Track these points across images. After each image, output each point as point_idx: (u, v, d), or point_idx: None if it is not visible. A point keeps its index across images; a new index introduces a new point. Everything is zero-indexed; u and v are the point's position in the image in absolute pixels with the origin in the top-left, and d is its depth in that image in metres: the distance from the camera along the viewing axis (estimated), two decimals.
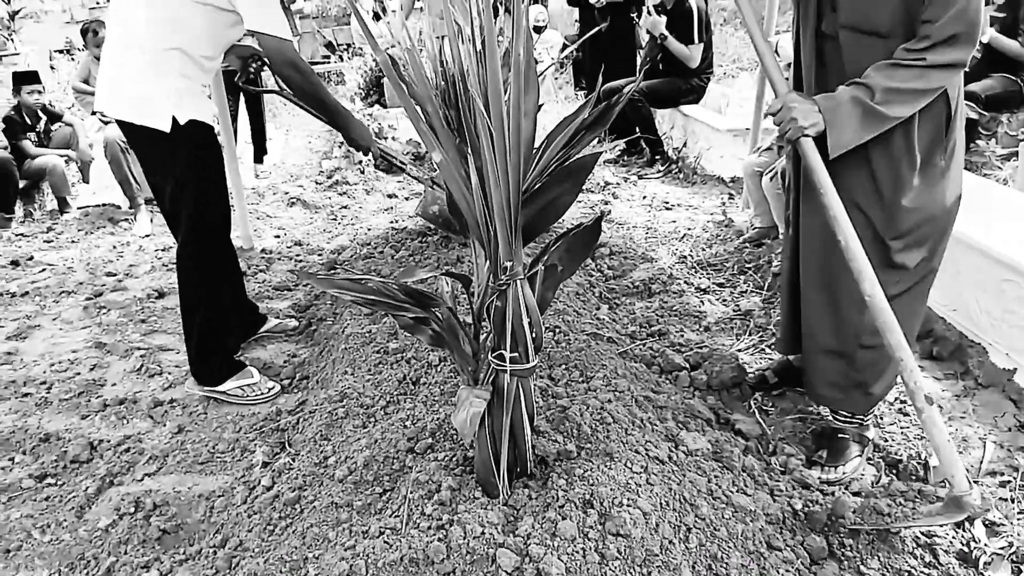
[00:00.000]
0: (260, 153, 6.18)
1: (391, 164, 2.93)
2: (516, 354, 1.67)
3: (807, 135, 1.76)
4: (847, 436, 2.16)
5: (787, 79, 1.92)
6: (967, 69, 1.77)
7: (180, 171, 2.39)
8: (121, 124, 2.40)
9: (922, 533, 1.83)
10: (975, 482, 2.05)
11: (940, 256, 1.95)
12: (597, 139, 1.77)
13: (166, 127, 2.31)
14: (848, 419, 2.17)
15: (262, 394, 2.64)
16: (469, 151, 1.61)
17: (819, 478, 2.10)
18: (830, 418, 2.21)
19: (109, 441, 2.44)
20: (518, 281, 1.62)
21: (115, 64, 2.37)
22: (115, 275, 3.94)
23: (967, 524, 1.84)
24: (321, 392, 2.50)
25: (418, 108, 1.63)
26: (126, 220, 4.97)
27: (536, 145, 1.68)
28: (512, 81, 1.49)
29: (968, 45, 1.66)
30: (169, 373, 2.87)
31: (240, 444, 2.37)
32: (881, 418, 2.32)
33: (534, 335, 1.67)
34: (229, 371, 2.64)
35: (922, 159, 1.81)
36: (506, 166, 1.51)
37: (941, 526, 1.81)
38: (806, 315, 2.13)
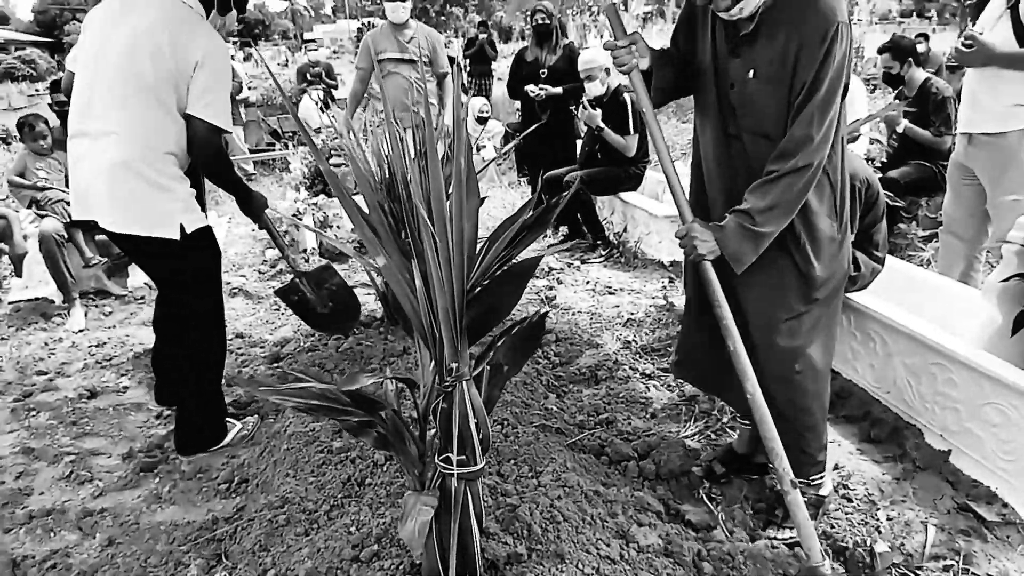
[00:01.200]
0: None
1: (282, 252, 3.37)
2: (463, 456, 1.65)
3: (706, 260, 1.99)
4: (807, 500, 2.17)
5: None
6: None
7: (190, 275, 2.68)
8: (122, 238, 2.52)
9: None
10: (919, 568, 2.09)
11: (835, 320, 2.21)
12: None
13: (176, 235, 2.52)
14: (803, 483, 2.21)
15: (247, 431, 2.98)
16: (413, 254, 1.63)
17: (773, 537, 2.17)
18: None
19: (34, 557, 2.29)
20: (464, 383, 1.62)
21: (114, 180, 2.46)
22: (46, 374, 3.77)
23: None
24: (261, 497, 2.41)
25: (359, 215, 1.65)
26: (59, 315, 4.81)
27: (479, 244, 1.72)
28: (454, 189, 1.53)
29: (810, 150, 1.85)
30: (100, 480, 2.73)
31: (174, 557, 2.25)
32: (826, 505, 2.35)
33: (481, 436, 1.66)
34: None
35: (818, 235, 2.02)
36: (450, 270, 1.53)
37: None
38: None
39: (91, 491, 2.65)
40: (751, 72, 1.91)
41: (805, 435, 2.17)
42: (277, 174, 9.74)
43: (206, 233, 2.67)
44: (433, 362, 1.71)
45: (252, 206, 2.99)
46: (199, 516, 2.45)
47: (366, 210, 1.76)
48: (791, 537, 2.15)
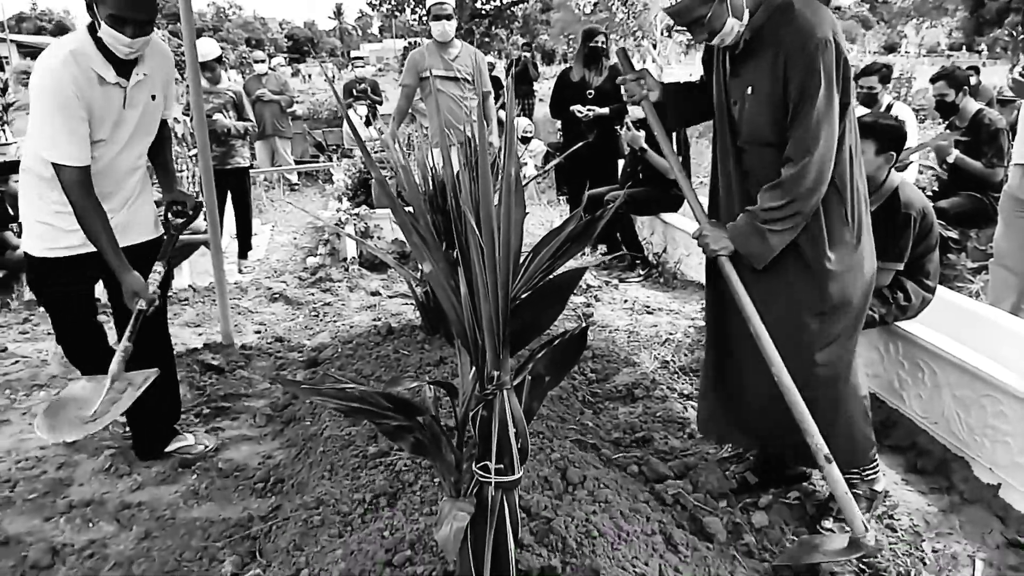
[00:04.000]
0: (245, 248, 6.22)
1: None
2: (501, 465, 1.64)
3: (721, 255, 2.18)
4: (859, 493, 2.31)
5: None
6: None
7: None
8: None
9: None
10: None
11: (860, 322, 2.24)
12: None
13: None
14: (854, 475, 2.33)
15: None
16: (459, 261, 1.64)
17: (828, 528, 2.29)
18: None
19: (73, 546, 2.33)
20: (505, 391, 1.62)
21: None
22: None
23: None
24: (297, 498, 2.42)
25: (407, 219, 1.67)
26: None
27: (522, 256, 1.72)
28: (502, 197, 1.54)
29: (810, 150, 1.99)
30: (138, 474, 2.78)
31: (208, 553, 2.27)
32: (880, 500, 2.39)
33: (520, 446, 1.66)
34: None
35: (833, 239, 2.12)
36: (495, 278, 1.53)
37: (842, 561, 2.14)
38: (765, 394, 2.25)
39: (129, 484, 2.70)
40: (749, 89, 2.11)
41: (851, 433, 2.26)
42: (320, 185, 9.91)
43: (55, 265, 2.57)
44: (474, 370, 1.71)
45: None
46: (235, 513, 2.48)
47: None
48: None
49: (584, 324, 1.84)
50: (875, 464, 2.37)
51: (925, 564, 2.17)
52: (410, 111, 5.47)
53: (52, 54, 2.35)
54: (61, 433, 2.39)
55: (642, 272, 5.52)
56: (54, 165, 2.36)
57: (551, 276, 1.67)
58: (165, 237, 2.84)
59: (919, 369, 2.83)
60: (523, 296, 1.64)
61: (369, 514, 2.21)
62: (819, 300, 2.15)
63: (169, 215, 2.90)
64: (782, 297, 2.18)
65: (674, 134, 5.14)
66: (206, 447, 2.95)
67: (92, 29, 2.38)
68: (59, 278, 2.60)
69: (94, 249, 2.48)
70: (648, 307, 4.80)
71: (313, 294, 5.22)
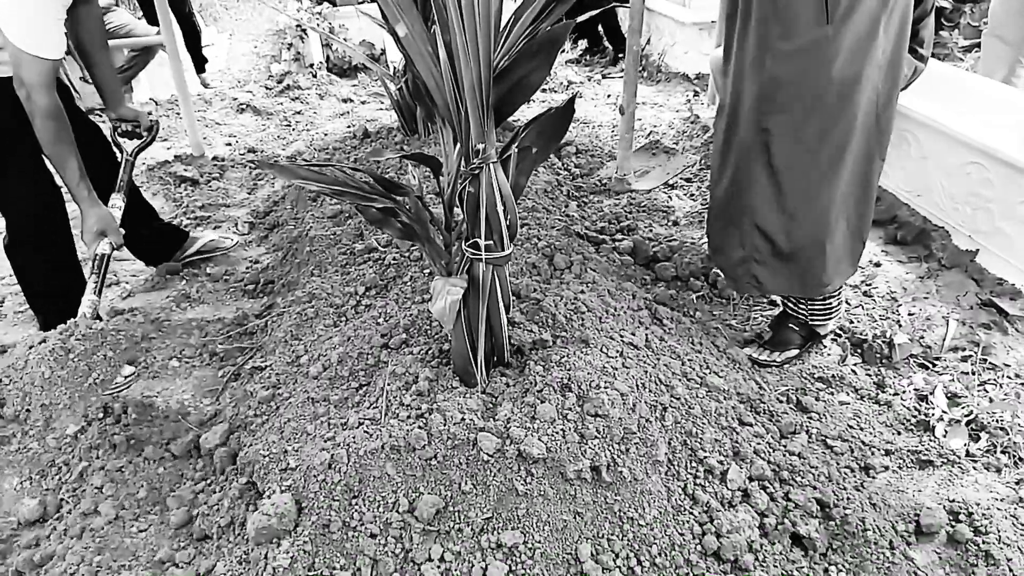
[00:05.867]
0: (199, 61, 5.65)
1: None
2: (491, 242, 1.63)
3: None
4: (795, 329, 2.16)
5: None
6: None
7: None
8: None
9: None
10: (937, 358, 2.13)
11: (840, 138, 1.85)
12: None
13: None
14: (805, 310, 2.14)
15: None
16: (436, 25, 1.51)
17: (749, 355, 2.16)
18: (789, 306, 2.19)
19: None
20: (491, 165, 1.56)
21: None
22: None
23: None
24: (288, 295, 2.44)
25: None
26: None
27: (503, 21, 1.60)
28: None
29: None
30: (126, 283, 2.78)
31: (208, 349, 2.32)
32: (848, 301, 2.36)
33: (509, 222, 1.63)
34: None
35: (800, 17, 1.75)
36: (476, 40, 1.43)
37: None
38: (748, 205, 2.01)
39: (119, 293, 2.70)
40: None
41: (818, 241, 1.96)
42: None
43: None
44: (458, 145, 1.64)
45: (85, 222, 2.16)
46: (229, 313, 2.51)
47: None
48: (768, 361, 2.14)
49: (572, 95, 1.75)
50: (831, 303, 2.13)
51: (900, 326, 2.26)
52: None
53: None
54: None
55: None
56: (18, 57, 1.91)
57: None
58: (124, 160, 2.44)
59: (905, 141, 2.79)
60: (507, 62, 1.54)
61: (361, 305, 2.24)
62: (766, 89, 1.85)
63: (119, 137, 2.50)
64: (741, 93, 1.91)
65: None
66: (235, 241, 2.96)
67: None
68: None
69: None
70: None
71: (282, 103, 4.99)
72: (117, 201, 2.29)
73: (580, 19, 1.73)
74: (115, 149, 2.50)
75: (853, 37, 1.76)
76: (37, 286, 2.34)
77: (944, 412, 1.91)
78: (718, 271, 2.45)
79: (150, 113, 2.42)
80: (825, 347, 2.19)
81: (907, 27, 1.84)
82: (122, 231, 2.21)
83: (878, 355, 2.14)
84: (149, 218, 2.76)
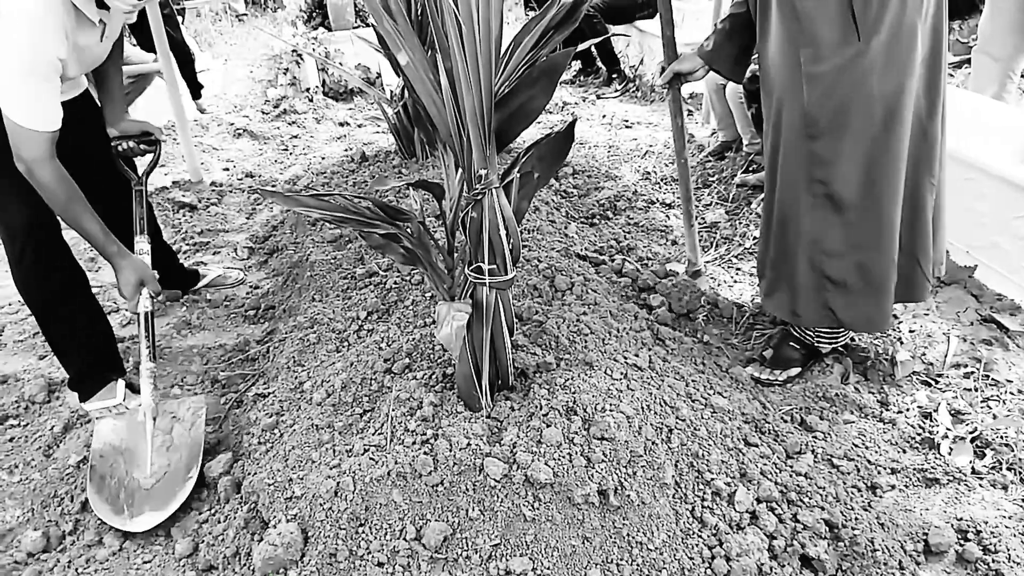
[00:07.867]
0: (195, 87, 5.63)
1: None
2: (494, 266, 1.63)
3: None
4: (796, 347, 2.16)
5: None
6: None
7: None
8: None
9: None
10: (939, 375, 2.13)
11: (894, 153, 1.81)
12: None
13: None
14: (812, 332, 2.14)
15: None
16: (438, 52, 1.53)
17: (752, 374, 2.15)
18: (793, 328, 2.19)
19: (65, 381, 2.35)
20: (493, 190, 1.57)
21: None
22: None
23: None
24: (290, 320, 2.44)
25: (379, 5, 1.53)
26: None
27: (503, 48, 1.61)
28: None
29: None
30: (126, 310, 2.77)
31: (209, 376, 2.31)
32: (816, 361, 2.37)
33: (511, 246, 1.64)
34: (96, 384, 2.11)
35: (826, 37, 1.75)
36: (477, 67, 1.44)
37: None
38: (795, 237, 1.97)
39: (119, 320, 2.69)
40: None
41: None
42: (270, 13, 9.27)
43: None
44: (460, 171, 1.65)
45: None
46: (230, 339, 2.50)
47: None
48: (770, 380, 2.14)
49: (572, 119, 1.76)
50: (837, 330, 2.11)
51: (902, 343, 2.26)
52: None
53: None
54: (135, 521, 1.76)
55: (619, 87, 5.34)
56: (14, 131, 1.76)
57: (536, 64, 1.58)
58: (134, 190, 2.25)
59: None
60: (508, 88, 1.55)
61: (364, 330, 2.24)
62: (801, 112, 1.83)
63: (121, 148, 2.31)
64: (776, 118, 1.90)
65: None
66: (238, 277, 2.93)
67: None
68: None
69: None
70: (627, 121, 4.68)
71: (279, 128, 5.01)
72: (143, 245, 2.16)
73: (580, 47, 1.74)
74: (125, 173, 2.36)
75: (887, 48, 1.73)
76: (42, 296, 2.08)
77: (948, 429, 1.91)
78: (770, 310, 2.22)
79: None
80: (827, 365, 2.19)
81: (941, 34, 1.81)
82: (156, 274, 2.09)
83: (880, 373, 2.15)
84: (170, 261, 2.73)
